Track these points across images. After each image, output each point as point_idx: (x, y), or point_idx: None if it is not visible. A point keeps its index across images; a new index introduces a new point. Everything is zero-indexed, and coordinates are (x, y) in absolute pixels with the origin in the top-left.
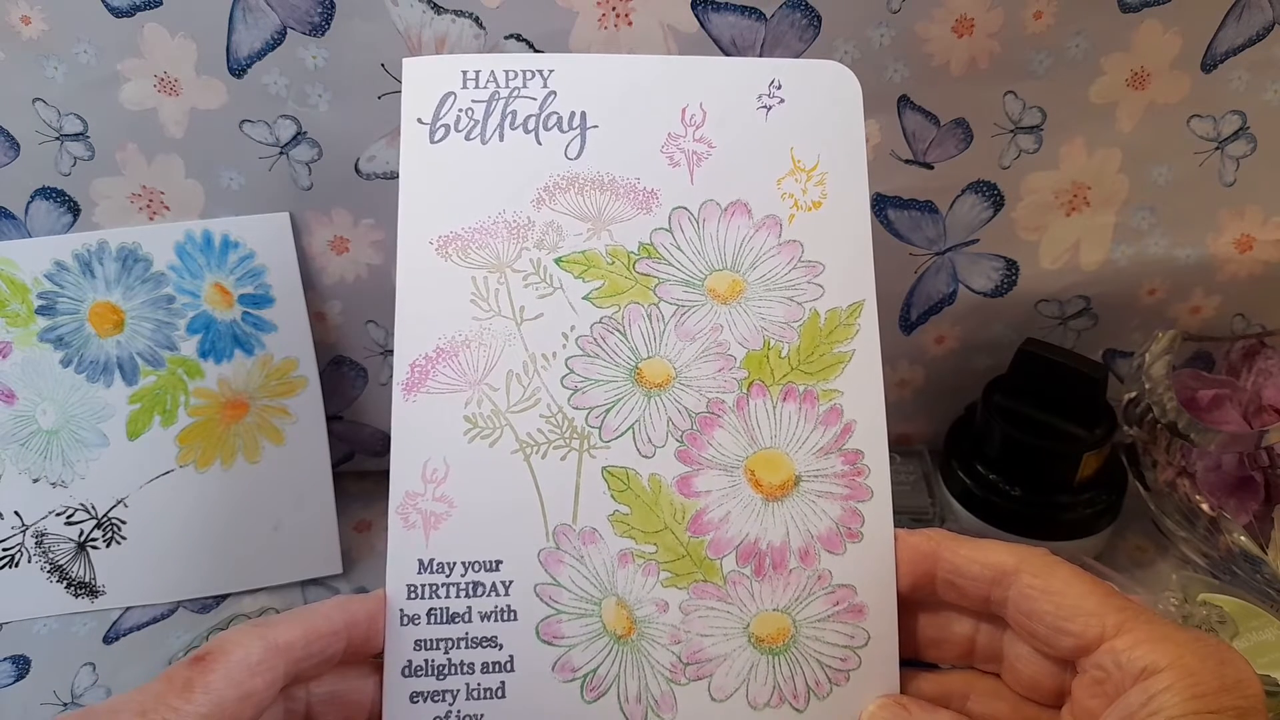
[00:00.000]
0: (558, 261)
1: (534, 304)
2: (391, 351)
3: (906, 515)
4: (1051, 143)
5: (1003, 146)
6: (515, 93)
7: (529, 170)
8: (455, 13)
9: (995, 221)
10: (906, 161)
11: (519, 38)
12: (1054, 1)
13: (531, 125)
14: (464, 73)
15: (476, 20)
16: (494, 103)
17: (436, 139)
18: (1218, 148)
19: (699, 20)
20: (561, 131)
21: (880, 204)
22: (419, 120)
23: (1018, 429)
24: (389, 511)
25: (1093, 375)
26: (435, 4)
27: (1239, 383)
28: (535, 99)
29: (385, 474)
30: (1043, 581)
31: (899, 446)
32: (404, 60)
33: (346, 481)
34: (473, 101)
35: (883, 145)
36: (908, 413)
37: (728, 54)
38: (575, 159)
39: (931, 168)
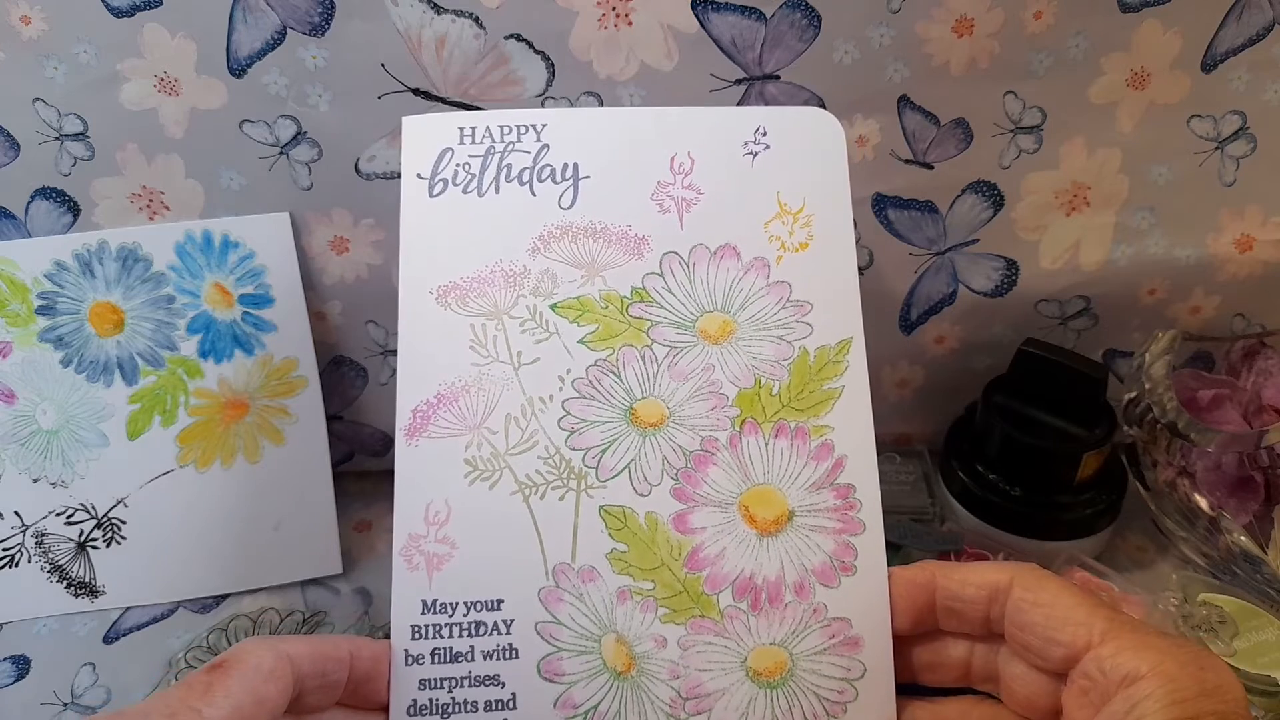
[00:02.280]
0: (553, 307)
1: (531, 349)
2: (391, 351)
3: (907, 515)
4: (1051, 143)
5: (1003, 146)
6: (510, 147)
7: (524, 220)
8: (455, 13)
9: (995, 221)
10: (906, 161)
11: (519, 38)
12: (1054, 1)
13: (526, 177)
14: (461, 129)
15: (476, 20)
16: (490, 157)
17: (435, 193)
18: (1218, 148)
19: (699, 20)
20: (555, 183)
21: (880, 204)
22: (418, 175)
23: (1018, 429)
24: (393, 554)
25: (1093, 375)
26: (435, 4)
27: (1239, 383)
28: (529, 152)
29: (385, 474)
30: (1033, 594)
31: (899, 446)
32: (403, 119)
33: (346, 481)
34: (469, 156)
35: (883, 145)
36: (908, 413)
37: (728, 55)
38: (568, 208)
39: (931, 168)
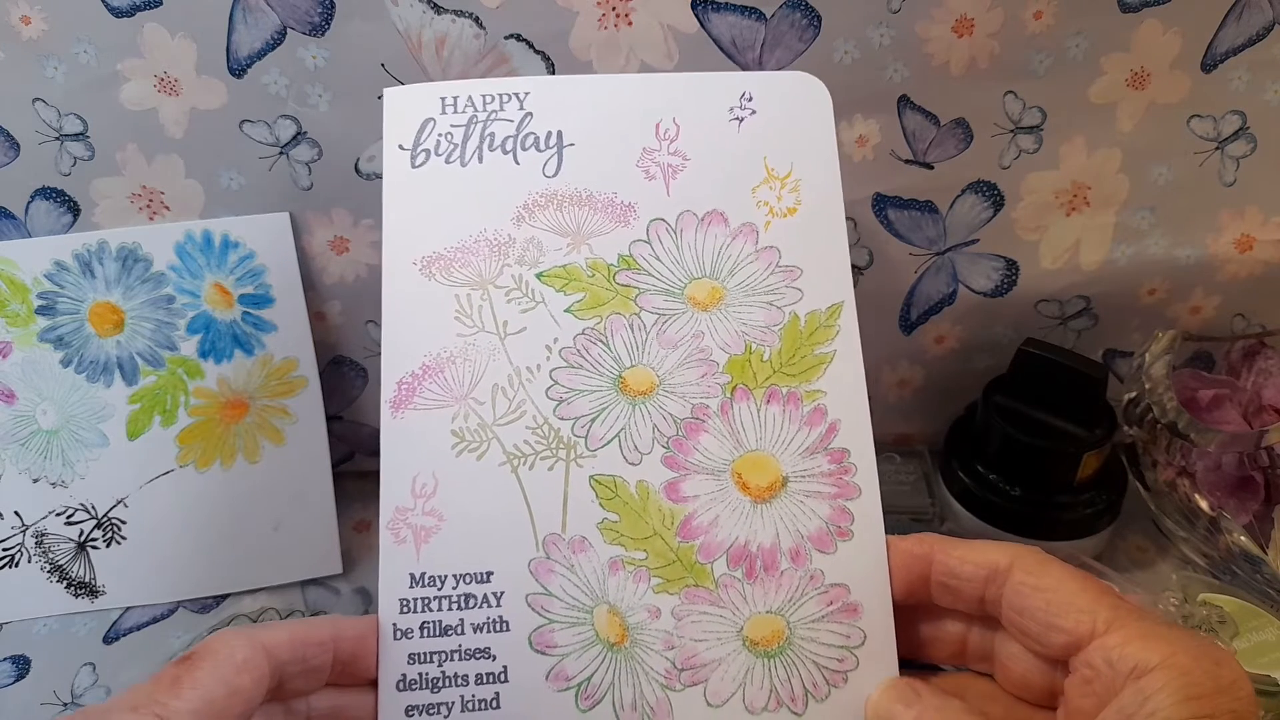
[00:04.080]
0: (539, 276)
1: (517, 319)
2: None
3: (906, 515)
4: (1051, 143)
5: (1003, 146)
6: (493, 115)
7: (508, 189)
8: (455, 13)
9: (995, 221)
10: (906, 161)
11: (519, 38)
12: (1054, 1)
13: (509, 146)
14: (443, 99)
15: (476, 20)
16: (472, 126)
17: (417, 164)
18: (1218, 148)
19: (699, 20)
20: (539, 151)
21: (880, 204)
22: (400, 146)
23: (1018, 429)
24: (380, 527)
25: (1093, 375)
26: (435, 4)
27: (1239, 383)
28: (512, 121)
29: None
30: (1035, 579)
31: (899, 446)
32: (385, 90)
33: (346, 481)
34: (451, 126)
35: (883, 145)
36: (908, 413)
37: (728, 54)
38: (553, 177)
39: (931, 168)
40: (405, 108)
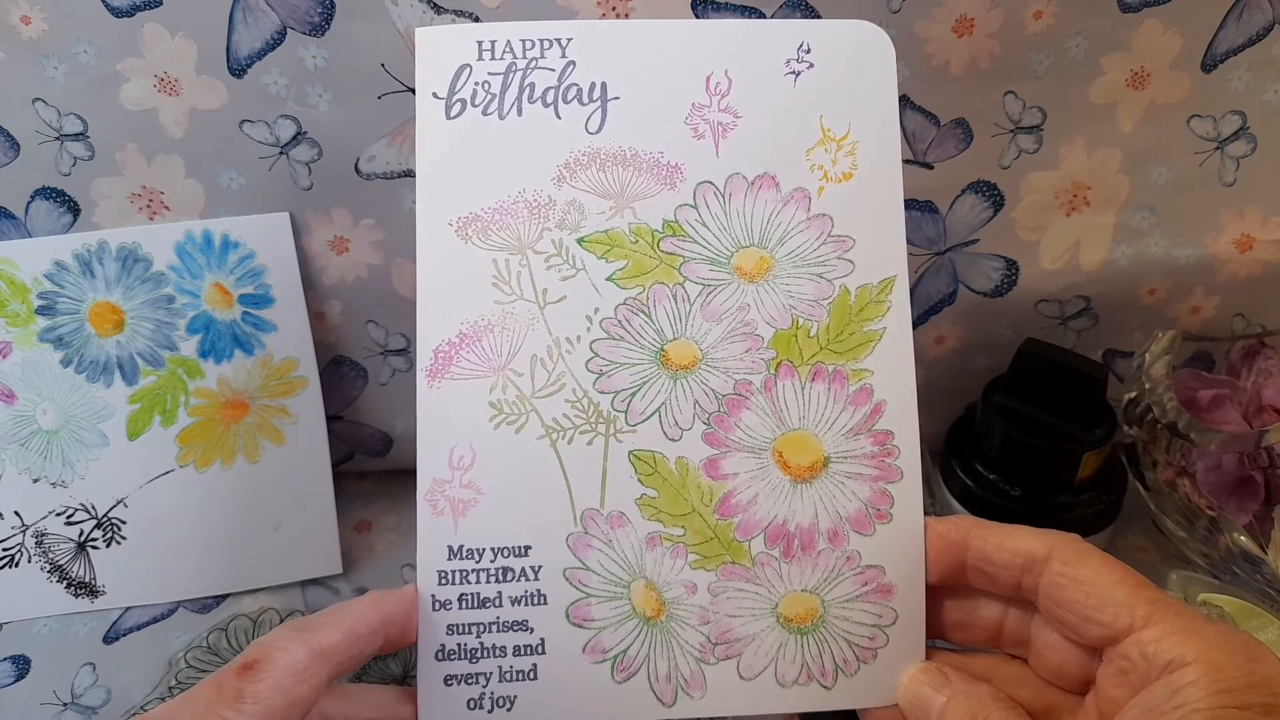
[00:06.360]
0: (580, 242)
1: (557, 286)
2: (392, 351)
3: None
4: (1051, 143)
5: (1003, 146)
6: (533, 63)
7: (549, 146)
8: (455, 13)
9: (995, 221)
10: (906, 161)
11: None
12: (1054, 1)
13: (551, 98)
14: (479, 43)
15: (476, 20)
16: (511, 74)
17: (453, 114)
18: (1218, 148)
19: (698, 19)
20: (581, 104)
21: None
22: (434, 95)
23: (1018, 429)
24: (417, 498)
25: (1093, 375)
26: (435, 4)
27: (1239, 383)
28: (554, 70)
29: (385, 474)
30: (1073, 570)
31: None
32: (416, 30)
33: (346, 481)
34: (489, 74)
35: None
36: None
37: None
38: (596, 133)
39: (931, 168)
40: (439, 51)
